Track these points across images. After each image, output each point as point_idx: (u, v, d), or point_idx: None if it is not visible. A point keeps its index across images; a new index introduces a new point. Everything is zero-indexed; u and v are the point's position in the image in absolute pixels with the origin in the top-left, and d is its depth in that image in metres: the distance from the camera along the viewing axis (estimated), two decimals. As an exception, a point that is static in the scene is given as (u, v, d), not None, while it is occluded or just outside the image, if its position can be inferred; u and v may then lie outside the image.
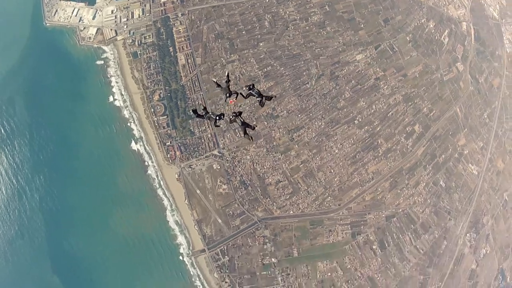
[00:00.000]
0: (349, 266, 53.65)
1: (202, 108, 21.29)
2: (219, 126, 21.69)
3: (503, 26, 72.76)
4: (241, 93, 20.64)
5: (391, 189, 57.12)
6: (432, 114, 60.84)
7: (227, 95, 20.58)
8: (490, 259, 62.95)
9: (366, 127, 57.12)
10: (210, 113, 20.98)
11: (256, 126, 21.60)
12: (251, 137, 20.51)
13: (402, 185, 57.65)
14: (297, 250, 52.80)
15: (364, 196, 56.07)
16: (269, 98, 20.49)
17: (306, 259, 52.88)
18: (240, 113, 20.82)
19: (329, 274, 52.62)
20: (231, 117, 20.44)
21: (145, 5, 60.16)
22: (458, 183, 61.37)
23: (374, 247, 55.27)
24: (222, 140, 54.33)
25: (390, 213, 56.71)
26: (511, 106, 68.94)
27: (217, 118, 20.71)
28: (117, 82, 58.27)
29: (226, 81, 20.99)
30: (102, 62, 59.15)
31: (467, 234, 61.35)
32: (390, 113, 58.70)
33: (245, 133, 20.41)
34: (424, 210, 58.53)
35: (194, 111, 21.01)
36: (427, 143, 59.71)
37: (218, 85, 20.97)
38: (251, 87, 20.56)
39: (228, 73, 22.30)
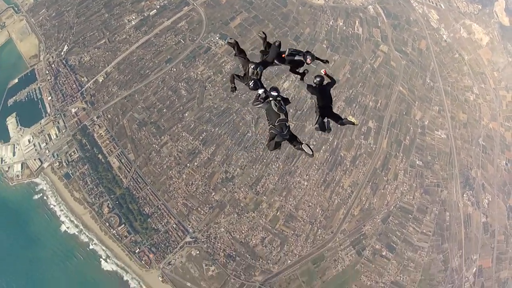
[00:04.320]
0: (369, 283, 51.30)
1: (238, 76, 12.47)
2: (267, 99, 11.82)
3: (406, -10, 73.78)
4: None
5: (375, 192, 55.08)
6: (379, 104, 59.70)
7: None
8: (495, 204, 63.18)
9: (324, 147, 54.93)
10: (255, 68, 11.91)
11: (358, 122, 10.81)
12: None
13: (383, 183, 55.79)
14: (312, 295, 49.46)
15: (352, 212, 53.65)
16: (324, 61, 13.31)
17: (325, 298, 49.84)
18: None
19: (354, 299, 49.72)
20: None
21: (58, 122, 56.06)
22: (433, 154, 60.45)
23: (383, 253, 53.20)
24: (189, 224, 50.54)
25: (384, 215, 54.75)
26: (446, 59, 69.48)
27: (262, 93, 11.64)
28: (62, 210, 53.69)
29: (264, 47, 12.84)
30: (40, 194, 54.30)
31: (464, 195, 60.88)
32: (339, 122, 56.77)
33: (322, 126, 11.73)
34: (414, 195, 57.01)
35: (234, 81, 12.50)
36: (387, 134, 58.33)
37: (241, 52, 12.57)
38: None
39: (264, 35, 12.92)
